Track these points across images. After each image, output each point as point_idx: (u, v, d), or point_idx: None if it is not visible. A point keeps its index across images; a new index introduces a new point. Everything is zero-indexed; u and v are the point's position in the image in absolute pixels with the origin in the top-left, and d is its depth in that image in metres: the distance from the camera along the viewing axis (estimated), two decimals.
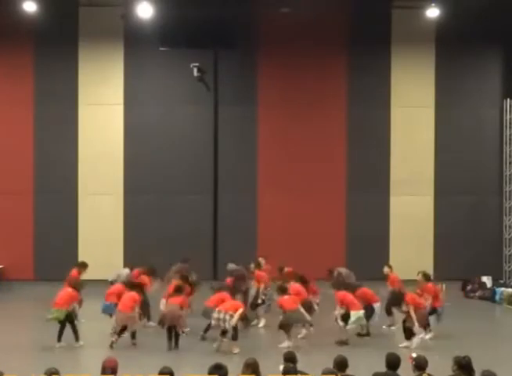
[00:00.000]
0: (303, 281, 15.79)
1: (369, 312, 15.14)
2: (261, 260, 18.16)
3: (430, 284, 15.69)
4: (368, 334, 15.27)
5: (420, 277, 15.72)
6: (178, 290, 14.48)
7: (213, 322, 13.72)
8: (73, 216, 24.46)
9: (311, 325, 15.15)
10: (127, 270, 17.73)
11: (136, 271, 16.96)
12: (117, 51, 24.58)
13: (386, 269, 17.16)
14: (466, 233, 24.69)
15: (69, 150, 24.43)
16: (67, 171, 24.44)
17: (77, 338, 14.12)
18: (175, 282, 15.27)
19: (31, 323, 17.30)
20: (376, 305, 15.48)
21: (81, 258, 22.55)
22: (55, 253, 23.39)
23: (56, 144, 24.45)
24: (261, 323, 16.63)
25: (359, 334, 15.17)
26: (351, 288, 15.16)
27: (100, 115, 24.61)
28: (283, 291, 14.71)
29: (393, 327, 16.04)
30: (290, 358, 8.46)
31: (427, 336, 14.88)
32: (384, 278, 17.07)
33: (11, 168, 24.30)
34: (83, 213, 24.57)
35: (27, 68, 24.44)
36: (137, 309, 14.35)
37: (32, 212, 24.47)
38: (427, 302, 15.05)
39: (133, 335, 14.27)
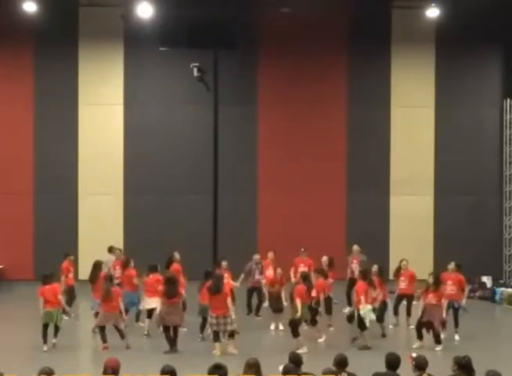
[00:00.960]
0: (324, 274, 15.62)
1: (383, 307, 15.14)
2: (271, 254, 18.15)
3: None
4: (384, 335, 15.32)
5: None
6: (172, 293, 14.01)
7: (215, 328, 13.42)
8: (73, 216, 24.48)
9: (329, 325, 15.28)
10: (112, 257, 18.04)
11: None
12: (117, 51, 24.59)
13: (404, 263, 16.63)
14: (466, 233, 24.68)
15: (69, 150, 24.44)
16: (67, 171, 24.45)
17: (55, 334, 14.09)
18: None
19: (31, 324, 17.20)
20: (387, 301, 15.65)
21: (81, 258, 22.67)
22: (55, 253, 23.32)
23: (56, 144, 24.46)
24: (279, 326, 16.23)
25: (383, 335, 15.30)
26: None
27: (100, 115, 24.62)
28: (304, 278, 14.31)
29: (391, 326, 16.08)
30: (295, 359, 8.37)
31: (456, 337, 15.05)
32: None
33: (11, 168, 24.31)
34: (83, 213, 24.59)
35: (27, 68, 24.44)
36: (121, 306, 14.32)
37: (32, 212, 24.48)
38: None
39: (122, 336, 14.11)
